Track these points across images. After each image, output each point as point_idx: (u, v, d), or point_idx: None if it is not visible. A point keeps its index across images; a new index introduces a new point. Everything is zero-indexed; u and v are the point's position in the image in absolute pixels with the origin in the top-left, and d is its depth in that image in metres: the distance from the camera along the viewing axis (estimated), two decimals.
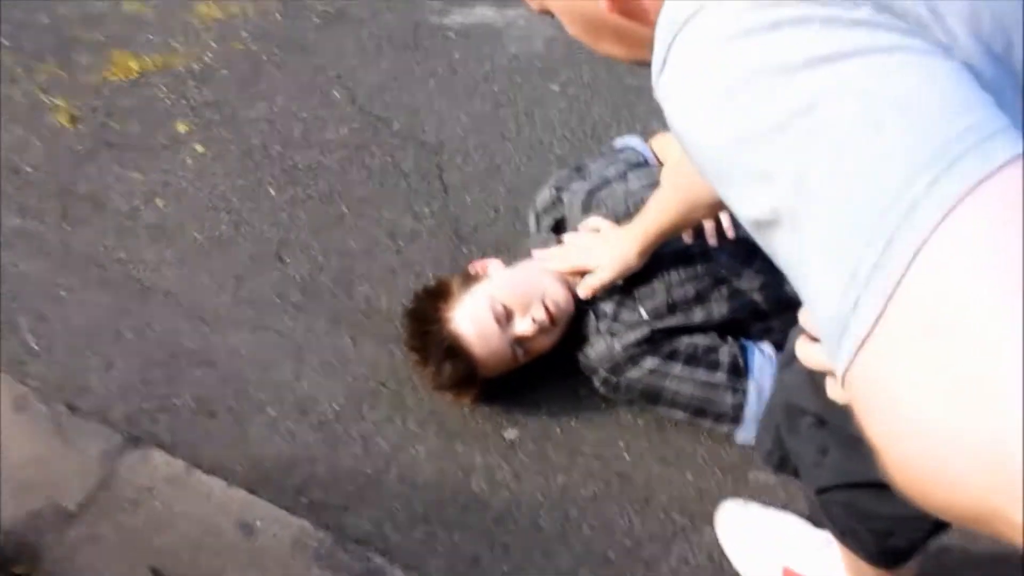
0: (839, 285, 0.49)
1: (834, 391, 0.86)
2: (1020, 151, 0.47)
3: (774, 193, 0.53)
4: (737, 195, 0.58)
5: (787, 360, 1.16)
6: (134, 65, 2.55)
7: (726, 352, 1.69)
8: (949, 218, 0.45)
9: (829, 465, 1.13)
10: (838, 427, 1.09)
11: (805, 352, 0.88)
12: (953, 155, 0.46)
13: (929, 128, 0.48)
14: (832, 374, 0.86)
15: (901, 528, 1.17)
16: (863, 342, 0.48)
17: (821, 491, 1.17)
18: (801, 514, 1.56)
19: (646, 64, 0.78)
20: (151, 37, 2.67)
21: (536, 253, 1.81)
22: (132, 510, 1.62)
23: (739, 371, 1.68)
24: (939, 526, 1.13)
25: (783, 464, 1.30)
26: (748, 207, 0.56)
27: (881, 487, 1.10)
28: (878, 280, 0.47)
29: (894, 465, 0.48)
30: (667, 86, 0.61)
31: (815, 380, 1.05)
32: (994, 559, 1.49)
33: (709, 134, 0.57)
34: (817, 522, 1.47)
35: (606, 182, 1.88)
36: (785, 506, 1.61)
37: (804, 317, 0.88)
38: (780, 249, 0.56)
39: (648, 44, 0.79)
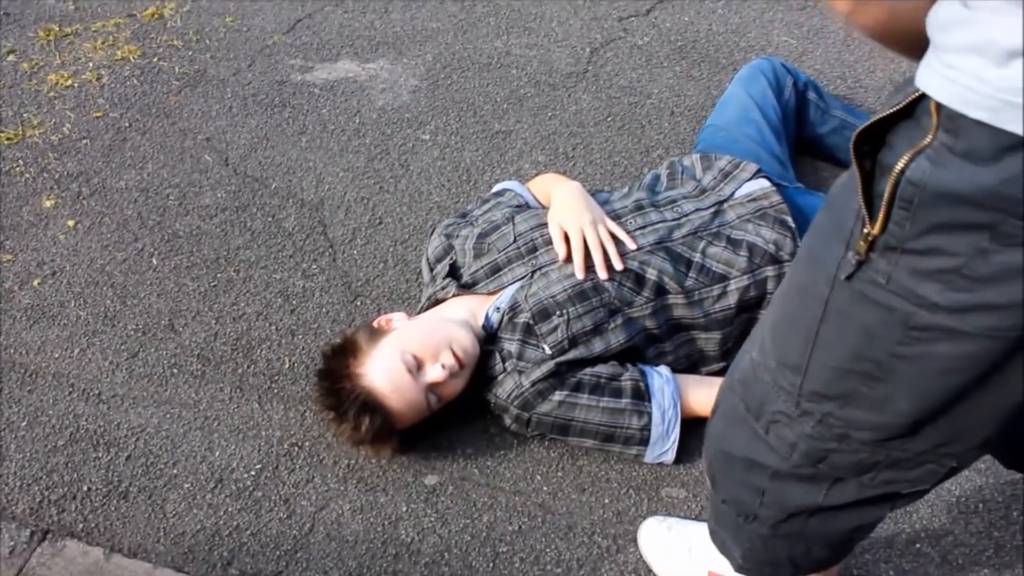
0: None
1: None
2: None
3: None
4: None
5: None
6: None
7: (627, 378, 1.79)
8: None
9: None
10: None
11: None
12: None
13: None
14: None
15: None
16: None
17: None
18: None
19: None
20: (1, 110, 2.57)
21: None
22: None
23: (641, 394, 1.78)
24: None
25: None
26: None
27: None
28: None
29: None
30: None
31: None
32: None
33: None
34: None
35: (495, 227, 1.96)
36: (698, 516, 1.72)
37: None
38: None
39: None
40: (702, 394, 1.84)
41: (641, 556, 1.66)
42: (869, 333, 0.92)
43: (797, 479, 1.13)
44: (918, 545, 1.67)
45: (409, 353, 1.74)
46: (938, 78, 0.77)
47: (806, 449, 1.07)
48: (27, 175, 2.39)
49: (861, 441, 1.02)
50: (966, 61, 0.75)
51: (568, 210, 1.89)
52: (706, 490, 1.44)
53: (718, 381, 1.88)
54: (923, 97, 0.79)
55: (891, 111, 0.82)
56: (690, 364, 1.91)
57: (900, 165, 0.80)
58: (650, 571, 1.64)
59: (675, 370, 1.86)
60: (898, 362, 0.91)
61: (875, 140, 0.85)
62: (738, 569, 1.40)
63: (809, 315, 0.98)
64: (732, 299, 1.85)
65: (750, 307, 1.88)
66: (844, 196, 0.91)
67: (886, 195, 0.82)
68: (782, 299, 1.09)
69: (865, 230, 0.86)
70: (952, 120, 0.76)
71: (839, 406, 1.00)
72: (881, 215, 0.83)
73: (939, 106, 0.77)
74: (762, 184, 1.98)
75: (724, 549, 1.41)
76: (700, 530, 1.65)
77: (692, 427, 1.81)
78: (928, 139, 0.78)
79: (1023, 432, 1.28)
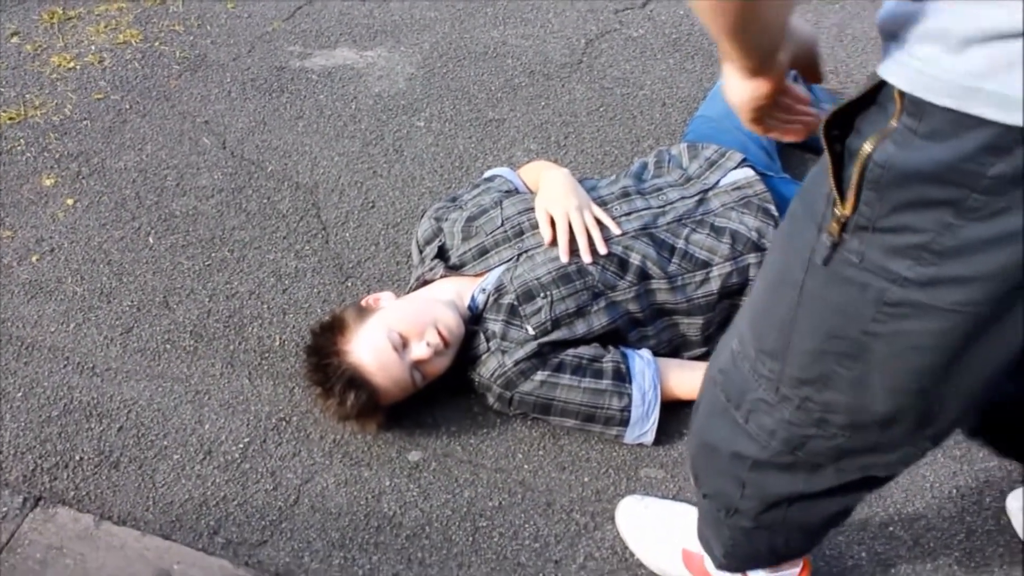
0: None
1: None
2: None
3: None
4: None
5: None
6: None
7: (609, 360, 1.83)
8: None
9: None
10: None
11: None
12: None
13: None
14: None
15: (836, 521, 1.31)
16: None
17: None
18: (691, 502, 1.71)
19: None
20: (3, 90, 2.62)
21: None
22: (40, 571, 1.61)
23: (622, 376, 1.82)
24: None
25: None
26: None
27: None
28: None
29: None
30: None
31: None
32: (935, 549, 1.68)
33: None
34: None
35: (483, 210, 2.00)
36: (675, 496, 1.76)
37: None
38: None
39: None
40: (683, 377, 1.88)
41: (618, 534, 1.70)
42: (843, 312, 0.94)
43: (776, 468, 1.15)
44: (891, 528, 1.71)
45: (395, 331, 1.78)
46: (898, 66, 0.80)
47: (785, 436, 1.09)
48: (28, 154, 2.43)
49: (838, 425, 1.04)
50: (923, 49, 0.77)
51: (555, 195, 1.93)
52: (691, 486, 1.46)
53: (699, 365, 1.93)
54: (887, 83, 0.82)
55: (856, 97, 0.85)
56: (672, 348, 1.95)
57: (867, 149, 0.83)
58: (626, 548, 1.68)
59: (657, 354, 1.90)
60: (872, 340, 0.93)
61: (845, 126, 0.88)
62: (719, 566, 1.43)
63: (786, 300, 1.00)
64: (714, 285, 1.89)
65: (732, 293, 1.91)
66: (815, 183, 0.94)
67: (855, 178, 0.85)
68: (759, 287, 1.11)
69: (837, 211, 0.88)
70: (916, 104, 0.79)
71: (817, 390, 1.02)
72: (851, 196, 0.86)
73: (902, 92, 0.80)
74: (747, 173, 2.01)
75: (707, 547, 1.44)
76: (677, 509, 1.68)
77: (672, 410, 1.85)
78: (893, 123, 0.81)
79: (1018, 417, 1.31)
